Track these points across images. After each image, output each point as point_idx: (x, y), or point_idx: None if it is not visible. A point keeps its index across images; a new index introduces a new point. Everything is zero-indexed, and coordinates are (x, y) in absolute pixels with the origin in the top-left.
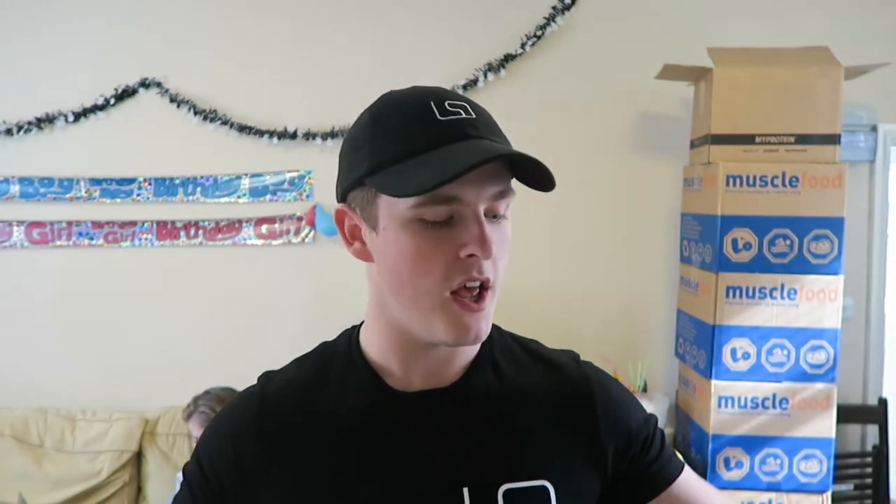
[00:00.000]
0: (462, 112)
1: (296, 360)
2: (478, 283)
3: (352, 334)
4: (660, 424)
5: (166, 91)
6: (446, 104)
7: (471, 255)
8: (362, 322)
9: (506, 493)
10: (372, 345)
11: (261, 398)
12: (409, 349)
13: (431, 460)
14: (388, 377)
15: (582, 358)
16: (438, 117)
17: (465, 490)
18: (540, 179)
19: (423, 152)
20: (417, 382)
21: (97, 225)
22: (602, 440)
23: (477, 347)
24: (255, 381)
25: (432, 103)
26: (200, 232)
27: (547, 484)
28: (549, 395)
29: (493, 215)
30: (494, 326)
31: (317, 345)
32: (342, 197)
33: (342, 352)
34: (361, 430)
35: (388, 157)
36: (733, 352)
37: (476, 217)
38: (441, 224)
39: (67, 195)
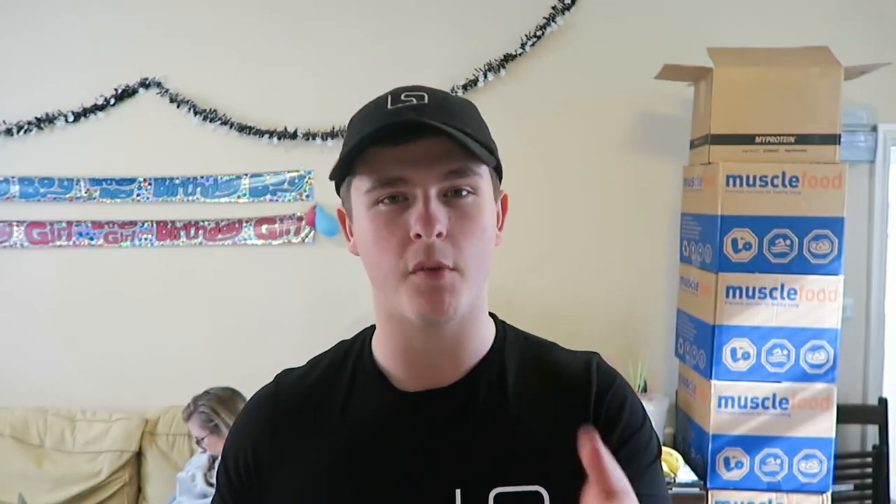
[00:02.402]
0: (414, 100)
1: (313, 358)
2: (435, 267)
3: (367, 332)
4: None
5: (166, 91)
6: (402, 95)
7: (418, 236)
8: None
9: (497, 496)
10: (378, 343)
11: (274, 397)
12: (405, 341)
13: (427, 460)
14: (393, 376)
15: (599, 360)
16: (388, 108)
17: (458, 491)
18: (471, 152)
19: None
20: (420, 382)
21: (97, 225)
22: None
23: (485, 349)
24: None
25: (389, 97)
26: (200, 232)
27: (541, 489)
28: (553, 397)
29: (456, 196)
30: (511, 329)
31: (334, 343)
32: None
33: (355, 350)
34: (363, 428)
35: (343, 152)
36: (733, 352)
37: (424, 197)
38: (396, 206)
39: (67, 195)
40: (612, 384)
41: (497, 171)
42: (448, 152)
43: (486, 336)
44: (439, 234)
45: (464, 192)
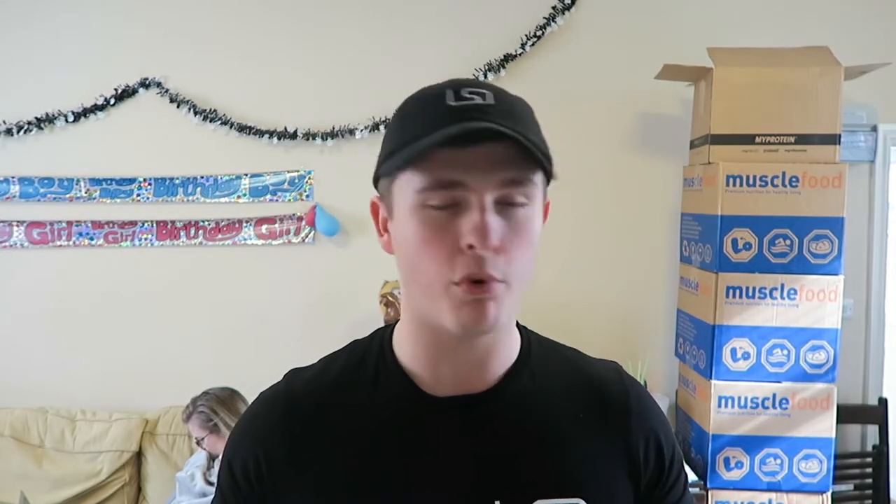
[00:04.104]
0: (478, 98)
1: (324, 357)
2: (484, 280)
3: (385, 332)
4: None
5: (166, 91)
6: (463, 91)
7: (471, 246)
8: (396, 322)
9: None
10: (403, 344)
11: (286, 396)
12: (436, 347)
13: (461, 469)
14: (419, 379)
15: (623, 370)
16: (449, 103)
17: (497, 503)
18: (537, 162)
19: (425, 136)
20: (449, 386)
21: (97, 225)
22: (636, 449)
23: (514, 355)
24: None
25: (449, 90)
26: (200, 232)
27: (581, 502)
28: (588, 407)
29: (509, 203)
30: (534, 334)
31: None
32: (376, 189)
33: (374, 351)
34: (389, 432)
35: (396, 145)
36: (733, 352)
37: (479, 204)
38: (447, 210)
39: (67, 195)
40: (651, 403)
41: (547, 176)
42: (509, 158)
43: (514, 342)
44: (494, 248)
45: (518, 202)
